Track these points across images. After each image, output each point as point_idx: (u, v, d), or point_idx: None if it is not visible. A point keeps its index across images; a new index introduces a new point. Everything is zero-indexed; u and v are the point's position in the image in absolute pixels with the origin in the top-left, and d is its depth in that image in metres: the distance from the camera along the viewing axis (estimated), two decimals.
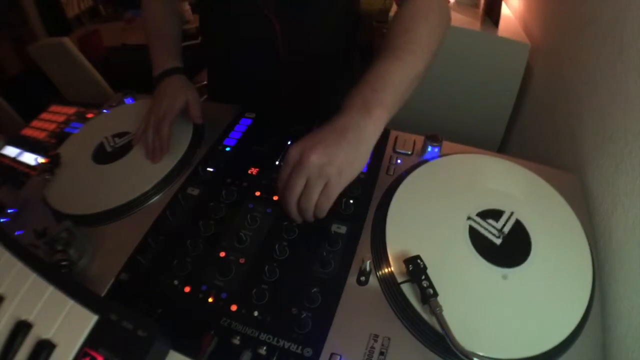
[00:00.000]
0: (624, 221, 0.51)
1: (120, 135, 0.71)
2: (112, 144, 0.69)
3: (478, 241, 0.49)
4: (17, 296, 0.42)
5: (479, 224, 0.51)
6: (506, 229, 0.51)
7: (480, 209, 0.53)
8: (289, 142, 0.66)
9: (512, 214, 0.52)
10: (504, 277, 0.46)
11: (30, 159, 0.77)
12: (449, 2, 0.57)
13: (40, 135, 0.83)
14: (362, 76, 0.49)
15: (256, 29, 0.73)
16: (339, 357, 0.41)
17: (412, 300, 0.44)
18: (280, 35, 0.72)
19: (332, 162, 0.43)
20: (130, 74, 1.66)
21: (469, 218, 0.52)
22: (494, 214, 0.52)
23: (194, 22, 1.90)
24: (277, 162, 0.63)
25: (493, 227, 0.51)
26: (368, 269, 0.47)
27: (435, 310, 0.41)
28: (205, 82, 2.03)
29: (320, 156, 0.43)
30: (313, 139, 0.45)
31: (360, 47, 0.90)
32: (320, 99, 0.81)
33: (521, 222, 0.51)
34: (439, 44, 0.54)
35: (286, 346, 0.42)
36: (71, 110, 0.87)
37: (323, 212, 0.46)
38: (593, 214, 0.58)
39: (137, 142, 0.67)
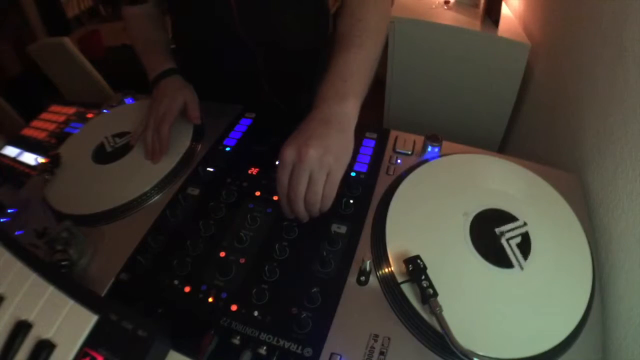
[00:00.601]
0: (624, 221, 0.51)
1: (120, 135, 0.71)
2: (112, 144, 0.69)
3: (478, 241, 0.49)
4: (17, 296, 0.42)
5: (479, 223, 0.51)
6: (506, 229, 0.50)
7: (480, 209, 0.53)
8: None
9: (511, 212, 0.52)
10: (504, 277, 0.46)
11: (30, 159, 0.77)
12: None
13: (40, 135, 0.83)
14: (328, 67, 0.53)
15: (214, 9, 0.70)
16: (339, 357, 0.41)
17: (412, 300, 0.44)
18: (237, 14, 0.68)
19: (328, 151, 0.46)
20: (130, 74, 1.66)
21: (469, 216, 0.52)
22: (494, 214, 0.52)
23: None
24: (277, 162, 0.63)
25: (493, 226, 0.51)
26: (368, 269, 0.47)
27: (435, 310, 0.41)
28: None
29: (317, 149, 0.45)
30: (303, 135, 0.47)
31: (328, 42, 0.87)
32: (296, 94, 0.80)
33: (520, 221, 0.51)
34: (388, 25, 0.60)
35: (286, 346, 0.42)
36: (71, 110, 0.87)
37: (330, 200, 0.48)
38: (593, 214, 0.58)
39: (136, 141, 0.67)
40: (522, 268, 0.47)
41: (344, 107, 0.49)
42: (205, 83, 0.76)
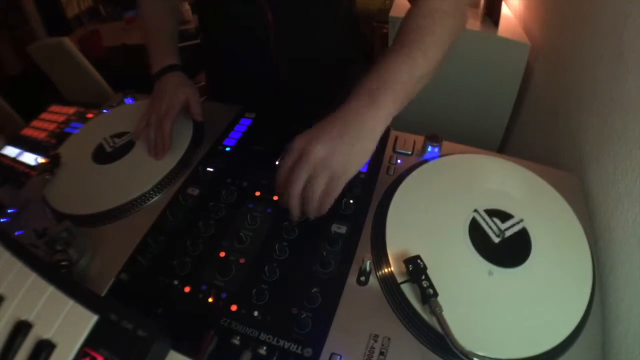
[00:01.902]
0: (624, 221, 0.51)
1: (119, 135, 0.71)
2: (111, 144, 0.69)
3: (478, 241, 0.49)
4: (17, 296, 0.42)
5: (479, 223, 0.51)
6: (507, 229, 0.50)
7: (480, 209, 0.53)
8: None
9: (512, 213, 0.52)
10: (504, 277, 0.46)
11: (30, 159, 0.77)
12: (466, 7, 0.56)
13: (40, 135, 0.83)
14: (371, 66, 0.48)
15: (249, 23, 0.72)
16: (339, 357, 0.41)
17: (412, 300, 0.44)
18: (274, 32, 0.71)
19: (336, 154, 0.42)
20: (130, 74, 1.66)
21: (471, 214, 0.52)
22: (494, 214, 0.52)
23: (194, 22, 1.90)
24: (276, 162, 0.63)
25: (494, 226, 0.51)
26: (368, 269, 0.47)
27: (435, 310, 0.41)
28: (203, 83, 2.03)
29: (325, 148, 0.42)
30: (319, 129, 0.44)
31: (361, 56, 0.89)
32: (318, 107, 0.80)
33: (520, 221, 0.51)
34: (450, 48, 0.52)
35: (286, 346, 0.42)
36: (71, 110, 0.88)
37: (325, 207, 0.45)
38: (593, 214, 0.58)
39: (138, 138, 0.67)
40: (521, 268, 0.47)
41: (371, 113, 0.44)
42: (226, 86, 0.75)
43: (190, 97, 0.67)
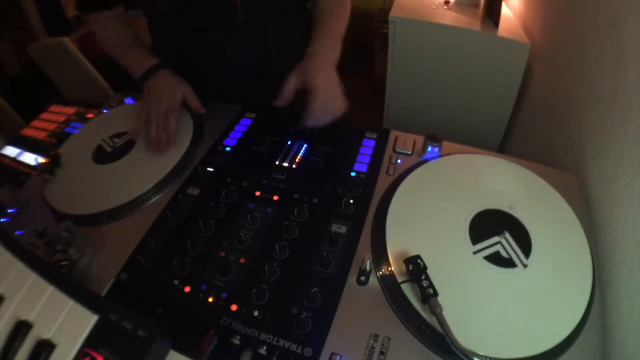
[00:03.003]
0: (624, 221, 0.51)
1: (118, 135, 0.70)
2: (111, 144, 0.69)
3: (478, 241, 0.49)
4: (17, 296, 0.42)
5: (479, 223, 0.51)
6: (506, 229, 0.50)
7: (480, 209, 0.53)
8: (288, 142, 0.66)
9: (513, 214, 0.52)
10: (504, 277, 0.46)
11: (30, 159, 0.77)
12: None
13: (40, 135, 0.83)
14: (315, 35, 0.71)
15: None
16: (339, 357, 0.41)
17: (412, 300, 0.44)
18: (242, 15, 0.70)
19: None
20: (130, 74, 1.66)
21: (469, 216, 0.52)
22: (495, 214, 0.52)
23: None
24: (276, 162, 0.63)
25: (494, 226, 0.51)
26: (368, 269, 0.47)
27: (435, 310, 0.41)
28: None
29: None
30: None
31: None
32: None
33: (521, 222, 0.51)
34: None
35: (286, 346, 0.42)
36: (71, 110, 0.88)
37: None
38: (593, 214, 0.58)
39: (137, 136, 0.68)
40: (524, 266, 0.47)
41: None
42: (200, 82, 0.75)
43: (187, 92, 0.69)
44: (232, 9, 0.68)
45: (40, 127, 0.85)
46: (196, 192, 0.60)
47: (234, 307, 0.46)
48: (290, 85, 0.65)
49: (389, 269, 0.47)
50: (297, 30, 0.80)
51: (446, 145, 0.63)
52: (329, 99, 0.63)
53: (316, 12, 0.77)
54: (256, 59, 0.76)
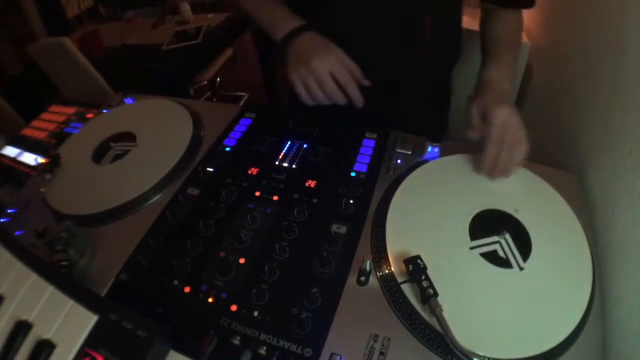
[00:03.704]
0: (624, 221, 0.51)
1: (122, 138, 0.70)
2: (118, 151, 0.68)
3: (478, 241, 0.49)
4: (17, 296, 0.42)
5: (479, 223, 0.51)
6: (507, 230, 0.50)
7: (480, 209, 0.53)
8: (288, 142, 0.66)
9: (513, 215, 0.52)
10: (504, 277, 0.46)
11: (30, 159, 0.77)
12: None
13: (40, 135, 0.83)
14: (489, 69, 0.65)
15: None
16: (339, 357, 0.41)
17: (412, 300, 0.44)
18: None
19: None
20: (130, 74, 1.66)
21: (469, 216, 0.52)
22: (495, 214, 0.52)
23: (195, 21, 1.90)
24: (276, 162, 0.63)
25: (494, 226, 0.51)
26: (368, 269, 0.47)
27: (435, 310, 0.41)
28: (205, 82, 2.02)
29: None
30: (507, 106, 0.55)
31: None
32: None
33: (521, 222, 0.51)
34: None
35: (286, 346, 0.42)
36: (71, 110, 0.88)
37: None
38: (593, 214, 0.58)
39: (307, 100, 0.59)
40: (521, 268, 0.47)
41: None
42: None
43: (344, 56, 0.59)
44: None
45: (40, 127, 0.85)
46: (196, 192, 0.60)
47: (233, 308, 0.46)
48: (476, 118, 0.57)
49: (389, 269, 0.47)
50: (448, 53, 0.78)
51: (446, 145, 0.63)
52: (513, 140, 0.54)
53: (490, 35, 0.70)
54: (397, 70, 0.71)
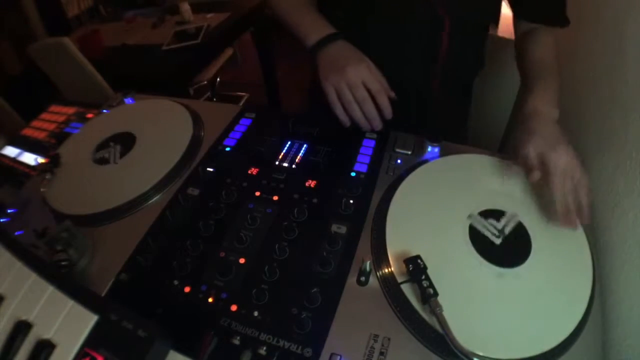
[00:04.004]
0: (624, 221, 0.51)
1: (120, 140, 0.70)
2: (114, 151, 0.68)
3: (478, 241, 0.49)
4: (17, 296, 0.42)
5: (479, 223, 0.51)
6: (507, 230, 0.51)
7: (480, 209, 0.53)
8: (288, 142, 0.66)
9: (513, 214, 0.52)
10: (504, 277, 0.46)
11: (30, 159, 0.77)
12: None
13: (40, 135, 0.83)
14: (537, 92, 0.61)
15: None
16: (339, 357, 0.41)
17: (412, 300, 0.44)
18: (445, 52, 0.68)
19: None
20: (130, 74, 1.66)
21: (469, 216, 0.52)
22: (495, 214, 0.52)
23: (195, 21, 1.90)
24: (276, 162, 0.63)
25: (493, 227, 0.51)
26: (368, 269, 0.47)
27: (436, 310, 0.41)
28: (205, 82, 2.02)
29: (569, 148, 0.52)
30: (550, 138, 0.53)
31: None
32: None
33: (521, 222, 0.51)
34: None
35: (286, 346, 0.42)
36: (71, 110, 0.87)
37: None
38: (593, 214, 0.58)
39: (346, 120, 0.60)
40: (522, 268, 0.47)
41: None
42: None
43: (374, 67, 0.60)
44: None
45: (40, 127, 0.85)
46: (196, 192, 0.60)
47: (234, 308, 0.46)
48: (534, 161, 0.52)
49: (389, 269, 0.47)
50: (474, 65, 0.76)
51: (446, 145, 0.63)
52: (575, 184, 0.51)
53: (531, 59, 0.67)
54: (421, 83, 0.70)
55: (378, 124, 0.59)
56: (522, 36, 0.72)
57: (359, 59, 0.59)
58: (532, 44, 0.68)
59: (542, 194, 0.54)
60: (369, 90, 0.58)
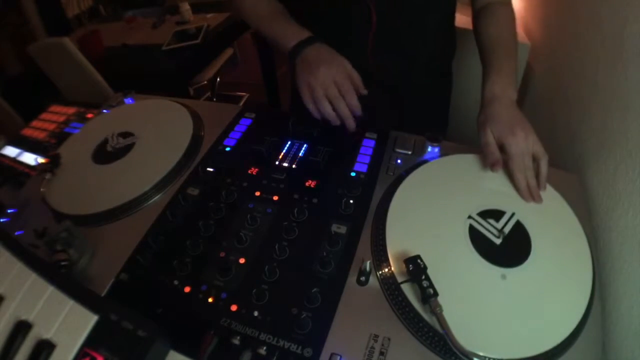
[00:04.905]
0: (624, 221, 0.51)
1: (124, 135, 0.70)
2: (114, 143, 0.69)
3: (478, 241, 0.49)
4: (17, 296, 0.42)
5: (479, 223, 0.51)
6: (506, 229, 0.51)
7: (480, 209, 0.53)
8: (288, 142, 0.66)
9: (512, 214, 0.52)
10: (504, 277, 0.46)
11: (30, 159, 0.77)
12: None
13: (40, 135, 0.83)
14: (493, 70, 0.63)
15: (350, 25, 0.69)
16: (339, 357, 0.41)
17: (412, 300, 0.44)
18: (373, 36, 0.69)
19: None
20: (130, 74, 1.66)
21: (469, 217, 0.52)
22: (494, 214, 0.52)
23: (195, 22, 1.90)
24: (276, 162, 0.63)
25: (493, 227, 0.51)
26: (368, 269, 0.47)
27: (435, 310, 0.41)
28: (205, 82, 2.02)
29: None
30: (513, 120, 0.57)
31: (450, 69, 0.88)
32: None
33: (521, 222, 0.51)
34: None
35: (286, 346, 0.42)
36: (71, 110, 0.87)
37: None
38: (593, 214, 0.58)
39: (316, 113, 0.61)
40: (522, 268, 0.47)
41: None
42: None
43: (350, 67, 0.61)
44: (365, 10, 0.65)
45: (40, 127, 0.85)
46: (196, 192, 0.60)
47: (234, 307, 0.46)
48: (494, 147, 0.56)
49: (389, 269, 0.47)
50: (443, 47, 0.76)
51: (446, 145, 0.63)
52: (527, 160, 0.55)
53: (485, 39, 0.68)
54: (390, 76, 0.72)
55: (350, 124, 0.61)
56: (477, 13, 0.73)
57: (332, 59, 0.61)
58: (486, 20, 0.69)
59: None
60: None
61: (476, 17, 0.73)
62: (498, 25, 0.68)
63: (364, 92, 0.61)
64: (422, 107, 0.81)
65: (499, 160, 0.55)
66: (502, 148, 0.56)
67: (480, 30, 0.70)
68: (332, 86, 0.59)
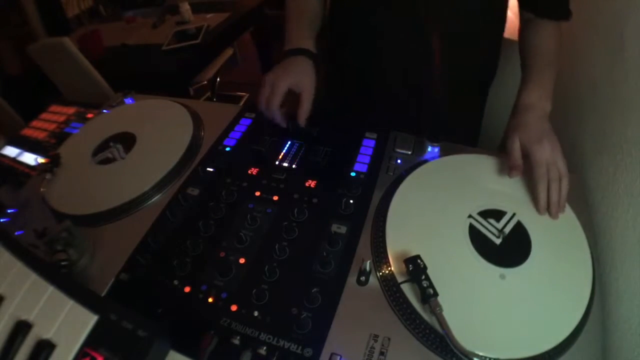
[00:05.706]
0: (624, 221, 0.51)
1: (124, 141, 0.70)
2: (115, 154, 0.68)
3: (478, 241, 0.49)
4: (17, 296, 0.42)
5: (479, 223, 0.51)
6: (507, 229, 0.51)
7: (480, 209, 0.53)
8: (288, 142, 0.66)
9: (513, 214, 0.52)
10: (504, 277, 0.46)
11: (30, 159, 0.77)
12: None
13: (40, 135, 0.83)
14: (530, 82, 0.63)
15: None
16: (339, 357, 0.41)
17: (412, 300, 0.44)
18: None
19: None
20: (130, 74, 1.66)
21: (469, 216, 0.52)
22: (495, 214, 0.52)
23: (195, 22, 1.90)
24: (276, 162, 0.63)
25: (494, 227, 0.51)
26: (368, 269, 0.47)
27: (435, 310, 0.41)
28: (205, 82, 2.01)
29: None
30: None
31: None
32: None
33: (521, 222, 0.51)
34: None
35: (286, 346, 0.42)
36: (71, 110, 0.87)
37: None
38: (593, 214, 0.58)
39: (263, 105, 0.64)
40: (522, 268, 0.47)
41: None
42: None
43: (309, 91, 0.63)
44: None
45: (40, 127, 0.85)
46: (196, 192, 0.60)
47: (234, 307, 0.46)
48: (516, 152, 0.55)
49: (389, 269, 0.47)
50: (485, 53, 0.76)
51: (446, 145, 0.63)
52: (556, 176, 0.53)
53: (528, 48, 0.69)
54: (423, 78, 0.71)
55: (280, 122, 0.65)
56: (524, 24, 0.73)
57: (299, 72, 0.64)
58: (531, 31, 0.69)
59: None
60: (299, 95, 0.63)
61: (523, 28, 0.73)
62: (542, 36, 0.68)
63: (300, 121, 0.63)
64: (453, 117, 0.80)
65: (520, 165, 0.54)
66: (525, 158, 0.55)
67: (525, 39, 0.71)
68: (278, 87, 0.62)
